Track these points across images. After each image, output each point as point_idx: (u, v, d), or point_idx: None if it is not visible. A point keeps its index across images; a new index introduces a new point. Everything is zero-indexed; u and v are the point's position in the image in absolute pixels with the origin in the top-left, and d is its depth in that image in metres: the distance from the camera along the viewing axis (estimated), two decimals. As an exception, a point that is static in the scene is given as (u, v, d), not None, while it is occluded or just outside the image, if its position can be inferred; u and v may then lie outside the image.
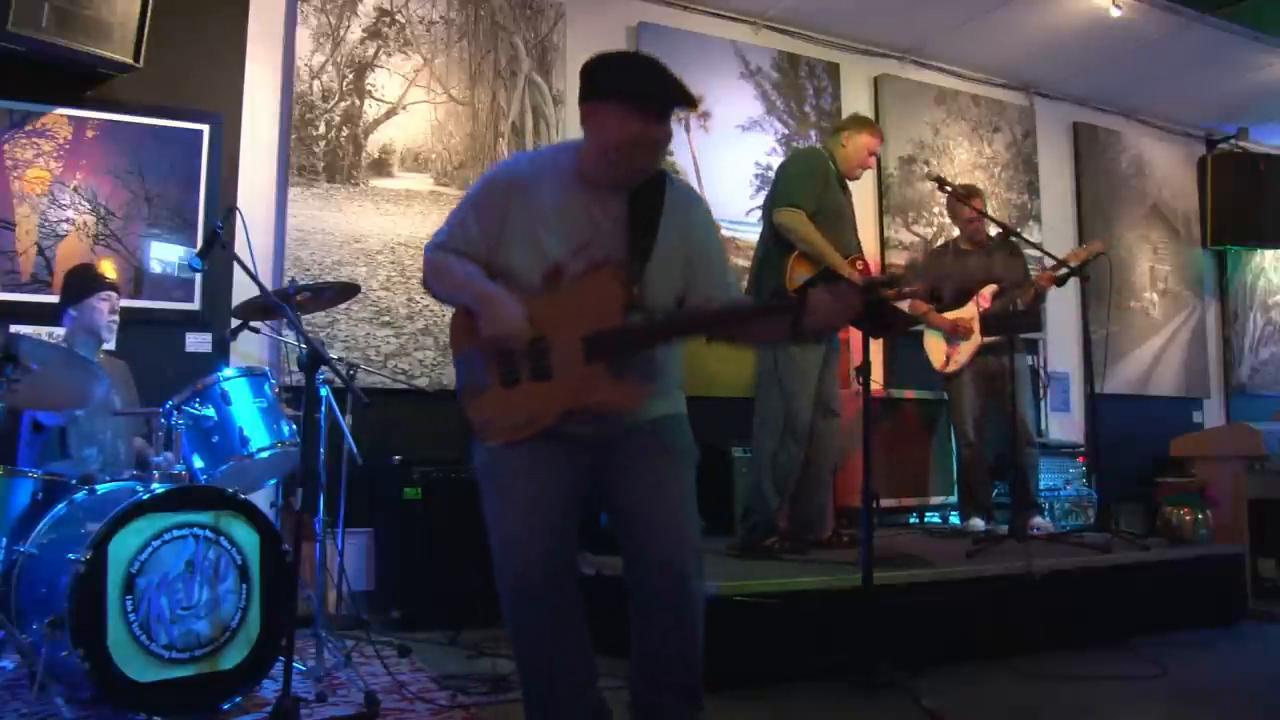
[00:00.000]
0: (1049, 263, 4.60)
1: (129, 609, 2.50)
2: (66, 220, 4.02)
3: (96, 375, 2.92)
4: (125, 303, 3.60)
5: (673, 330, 2.15)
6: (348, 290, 3.57)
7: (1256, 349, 7.54)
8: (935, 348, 4.84)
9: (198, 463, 3.05)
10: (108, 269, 3.53)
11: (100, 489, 2.82)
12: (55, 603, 2.47)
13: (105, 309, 3.38)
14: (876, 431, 3.25)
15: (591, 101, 2.04)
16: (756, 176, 5.48)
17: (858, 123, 4.13)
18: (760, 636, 3.05)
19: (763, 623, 3.04)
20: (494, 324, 2.02)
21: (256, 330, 3.43)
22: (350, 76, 4.57)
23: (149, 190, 4.16)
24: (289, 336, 3.81)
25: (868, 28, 5.82)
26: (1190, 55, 6.08)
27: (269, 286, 3.33)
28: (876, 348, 5.59)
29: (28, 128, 3.99)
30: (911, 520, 5.20)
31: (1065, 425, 6.36)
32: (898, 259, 5.77)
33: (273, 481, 3.59)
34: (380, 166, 4.61)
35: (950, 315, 4.78)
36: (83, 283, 3.42)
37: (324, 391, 3.29)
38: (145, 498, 2.59)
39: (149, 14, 3.91)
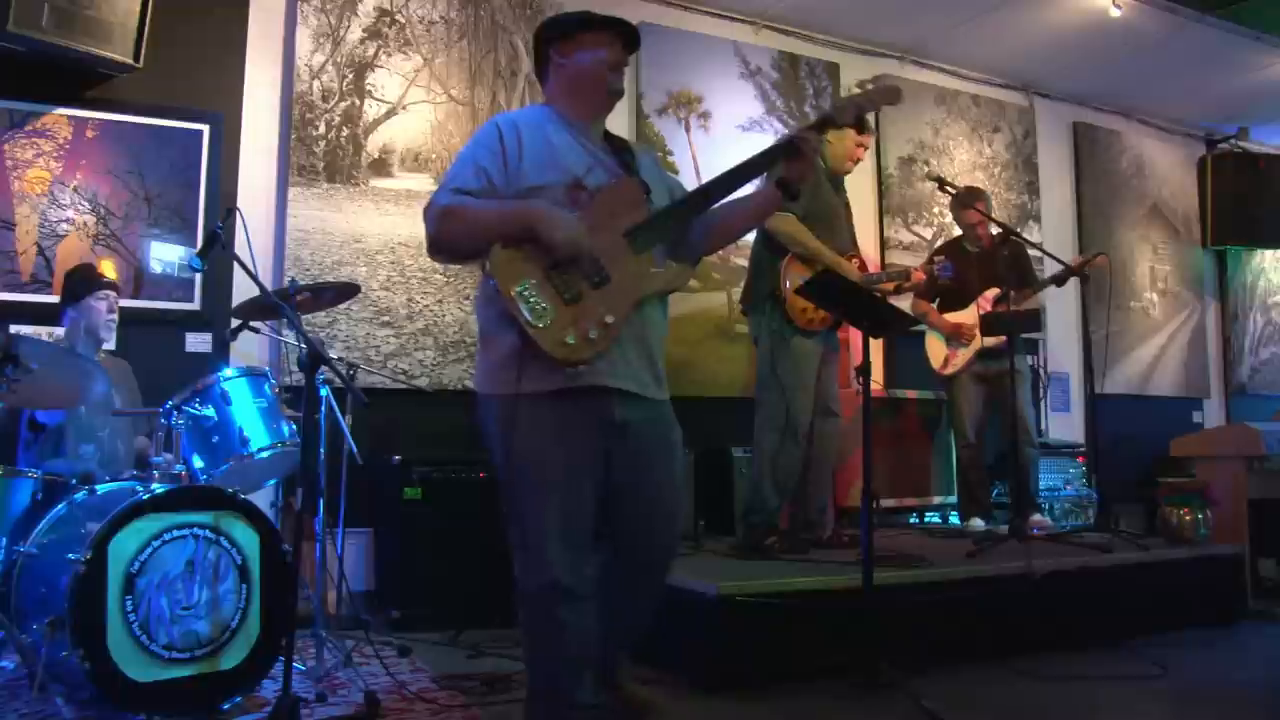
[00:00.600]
0: (1051, 275, 4.61)
1: (129, 609, 2.50)
2: (66, 220, 4.02)
3: (95, 373, 2.93)
4: (125, 303, 3.61)
5: (691, 207, 2.35)
6: (348, 290, 3.56)
7: (1256, 349, 7.54)
8: (935, 349, 4.84)
9: (198, 463, 3.05)
10: (107, 269, 3.54)
11: (100, 489, 2.83)
12: (55, 603, 2.47)
13: (104, 309, 3.39)
14: (876, 431, 3.24)
15: (568, 41, 2.31)
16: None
17: None
18: (760, 636, 3.04)
19: (763, 623, 3.03)
20: (560, 229, 2.11)
21: (256, 330, 3.43)
22: (350, 76, 4.57)
23: (149, 190, 4.16)
24: (289, 336, 3.81)
25: (868, 28, 5.82)
26: (1190, 55, 6.09)
27: (269, 286, 3.33)
28: (877, 348, 5.60)
29: (28, 128, 3.99)
30: (911, 520, 5.20)
31: (1065, 425, 6.36)
32: (898, 259, 5.77)
33: (273, 481, 3.60)
34: (380, 166, 4.61)
35: (952, 319, 4.78)
36: (82, 282, 3.42)
37: (324, 391, 3.29)
38: (145, 498, 2.59)
39: (149, 14, 3.91)
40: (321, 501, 3.24)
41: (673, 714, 2.78)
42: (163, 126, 4.20)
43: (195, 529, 2.64)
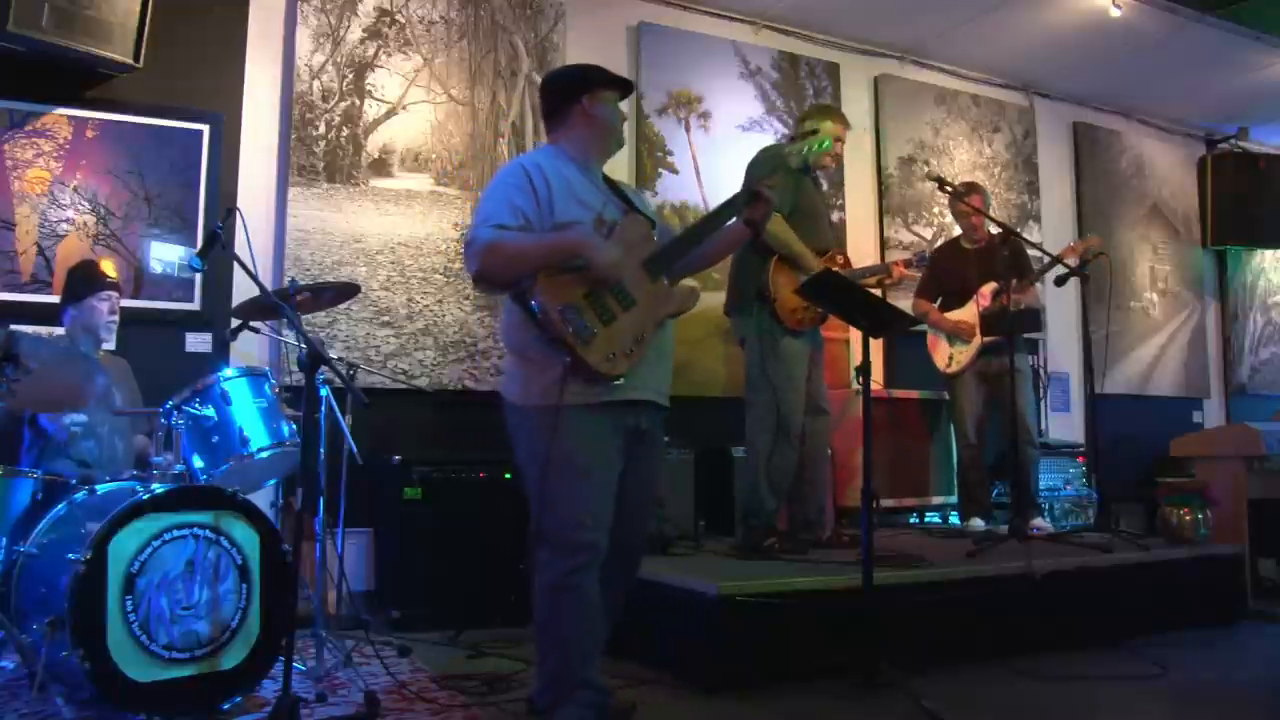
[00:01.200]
0: (1047, 261, 4.61)
1: (129, 609, 2.50)
2: (66, 220, 4.02)
3: (95, 370, 2.93)
4: (125, 303, 3.60)
5: (688, 242, 2.65)
6: (347, 290, 3.56)
7: (1256, 349, 7.54)
8: (939, 348, 4.85)
9: (198, 463, 3.05)
10: (108, 268, 3.53)
11: (100, 489, 2.83)
12: (55, 603, 2.47)
13: (105, 309, 3.39)
14: (876, 431, 3.24)
15: (596, 97, 2.60)
16: (756, 176, 5.48)
17: (822, 112, 4.07)
18: (760, 636, 3.04)
19: (763, 623, 3.03)
20: (606, 255, 2.39)
21: (256, 330, 3.43)
22: (350, 76, 4.57)
23: (149, 190, 4.16)
24: (289, 336, 3.81)
25: (868, 28, 5.82)
26: (1190, 55, 6.09)
27: (269, 286, 3.33)
28: (877, 348, 5.59)
29: (28, 128, 3.99)
30: (911, 520, 5.20)
31: (1065, 425, 6.35)
32: (898, 259, 5.76)
33: (273, 481, 3.59)
34: (380, 166, 4.61)
35: (952, 317, 4.78)
36: (84, 281, 3.42)
37: (324, 391, 3.29)
38: (145, 498, 2.59)
39: (149, 14, 3.91)
40: (321, 501, 3.24)
41: (673, 714, 2.79)
42: (163, 126, 4.20)
43: (195, 529, 2.64)
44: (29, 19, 3.59)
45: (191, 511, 2.64)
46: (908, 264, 4.25)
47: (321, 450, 3.32)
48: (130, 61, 3.89)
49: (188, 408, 3.00)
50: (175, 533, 2.60)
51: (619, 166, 4.63)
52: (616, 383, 2.40)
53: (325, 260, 4.41)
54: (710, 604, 3.02)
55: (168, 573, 2.57)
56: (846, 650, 2.97)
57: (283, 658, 2.36)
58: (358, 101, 4.58)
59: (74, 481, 2.86)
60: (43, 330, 3.67)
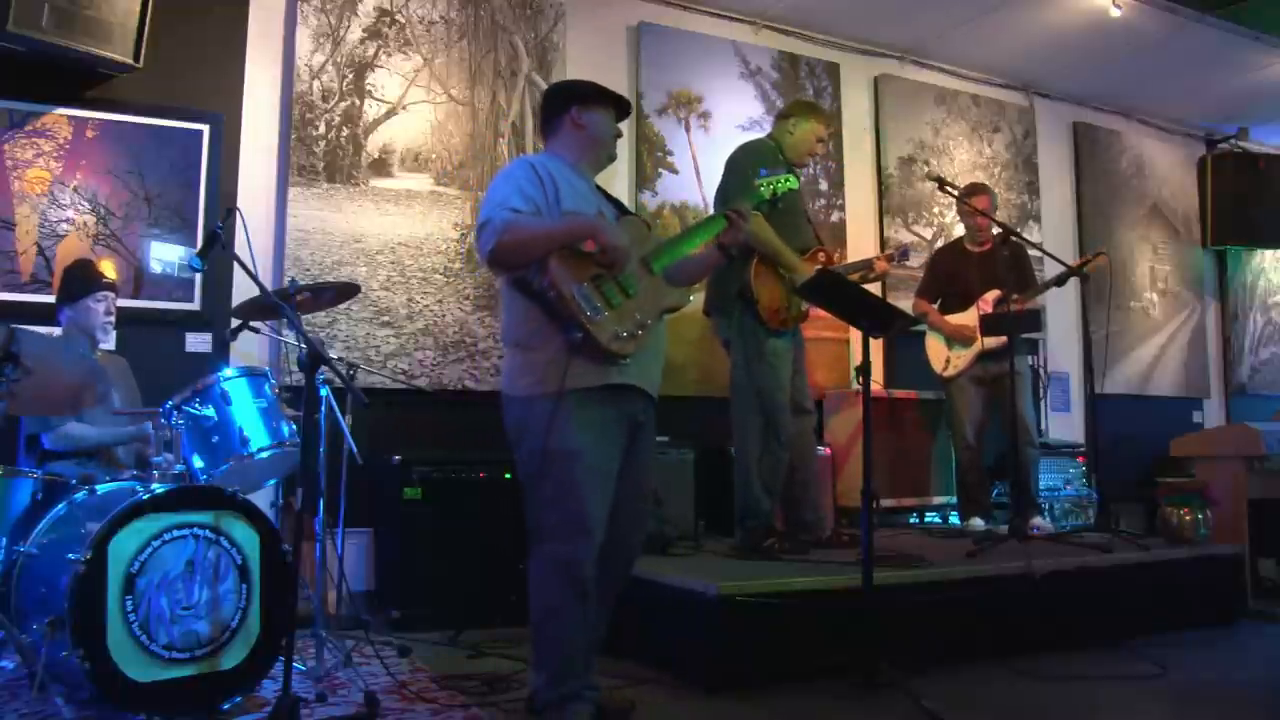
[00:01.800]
0: (1050, 279, 4.61)
1: (129, 609, 2.49)
2: (66, 220, 4.02)
3: (94, 370, 2.92)
4: (125, 303, 3.60)
5: (678, 243, 2.74)
6: (347, 290, 3.56)
7: (1256, 349, 7.54)
8: (936, 350, 4.84)
9: (198, 463, 3.05)
10: (106, 268, 3.53)
11: (100, 489, 2.83)
12: (55, 603, 2.46)
13: (101, 310, 3.38)
14: (877, 431, 3.24)
15: (585, 108, 2.67)
16: (756, 176, 5.47)
17: (805, 108, 4.05)
18: (760, 636, 3.04)
19: (763, 623, 3.03)
20: (617, 236, 2.47)
21: (256, 330, 3.43)
22: (350, 76, 4.57)
23: (149, 190, 4.16)
24: (289, 336, 3.81)
25: (868, 28, 5.82)
26: (1190, 55, 6.09)
27: (269, 286, 3.33)
28: (877, 348, 5.59)
29: (28, 128, 3.99)
30: (911, 520, 5.20)
31: (1065, 425, 6.35)
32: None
33: (273, 481, 3.59)
34: (380, 166, 4.61)
35: (953, 320, 4.78)
36: (79, 282, 3.41)
37: (324, 391, 3.29)
38: (145, 498, 2.59)
39: (149, 14, 3.91)
40: (321, 501, 3.24)
41: (672, 714, 2.79)
42: (163, 126, 4.20)
43: (195, 529, 2.63)
44: (29, 19, 3.59)
45: (191, 511, 2.64)
46: (890, 259, 4.25)
47: (321, 450, 3.32)
48: (130, 61, 3.89)
49: (188, 408, 3.01)
50: (175, 533, 2.60)
51: (620, 165, 4.62)
52: (624, 362, 2.44)
53: (325, 260, 4.41)
54: (710, 604, 3.02)
55: (168, 573, 2.57)
56: (846, 650, 2.97)
57: (283, 658, 2.36)
58: (358, 101, 4.58)
59: (74, 481, 2.86)
60: (42, 331, 3.67)
